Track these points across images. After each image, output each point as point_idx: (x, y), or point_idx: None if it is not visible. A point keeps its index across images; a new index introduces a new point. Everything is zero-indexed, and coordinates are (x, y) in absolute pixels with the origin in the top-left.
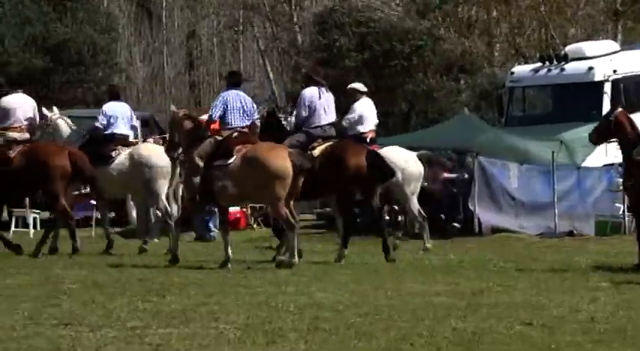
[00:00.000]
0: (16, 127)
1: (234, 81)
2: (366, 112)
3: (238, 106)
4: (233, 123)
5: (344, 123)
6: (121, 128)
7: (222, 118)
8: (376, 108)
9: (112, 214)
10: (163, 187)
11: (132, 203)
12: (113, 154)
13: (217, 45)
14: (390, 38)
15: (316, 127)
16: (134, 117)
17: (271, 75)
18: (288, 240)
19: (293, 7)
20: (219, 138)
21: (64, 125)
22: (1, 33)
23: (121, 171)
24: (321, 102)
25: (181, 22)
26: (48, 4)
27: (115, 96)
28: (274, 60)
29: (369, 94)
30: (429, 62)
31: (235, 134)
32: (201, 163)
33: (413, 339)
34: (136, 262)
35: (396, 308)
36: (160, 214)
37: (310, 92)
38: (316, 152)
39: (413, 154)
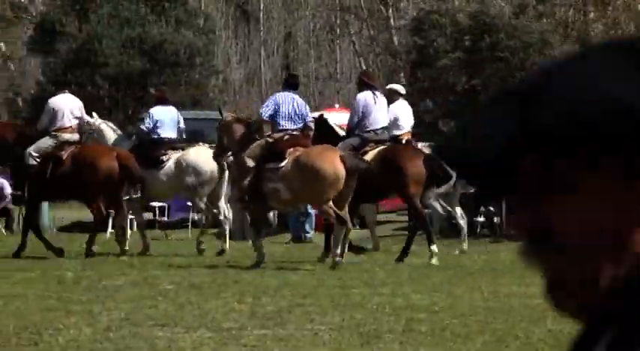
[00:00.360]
0: (67, 128)
1: (291, 82)
2: (402, 114)
3: (290, 109)
4: (284, 125)
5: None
6: (168, 132)
7: (274, 119)
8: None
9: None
10: (208, 191)
11: (227, 205)
12: (164, 158)
13: (313, 46)
14: (497, 33)
15: (370, 131)
16: (181, 120)
17: None
18: (335, 237)
19: (390, 9)
20: (270, 140)
21: (109, 130)
22: (99, 34)
23: (169, 175)
24: (376, 106)
25: (278, 23)
26: (146, 5)
27: (162, 100)
28: (370, 61)
29: (468, 92)
30: (533, 63)
31: (286, 137)
32: (251, 164)
33: (508, 341)
34: (231, 263)
35: (492, 310)
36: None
37: (365, 97)
38: (369, 156)
39: None
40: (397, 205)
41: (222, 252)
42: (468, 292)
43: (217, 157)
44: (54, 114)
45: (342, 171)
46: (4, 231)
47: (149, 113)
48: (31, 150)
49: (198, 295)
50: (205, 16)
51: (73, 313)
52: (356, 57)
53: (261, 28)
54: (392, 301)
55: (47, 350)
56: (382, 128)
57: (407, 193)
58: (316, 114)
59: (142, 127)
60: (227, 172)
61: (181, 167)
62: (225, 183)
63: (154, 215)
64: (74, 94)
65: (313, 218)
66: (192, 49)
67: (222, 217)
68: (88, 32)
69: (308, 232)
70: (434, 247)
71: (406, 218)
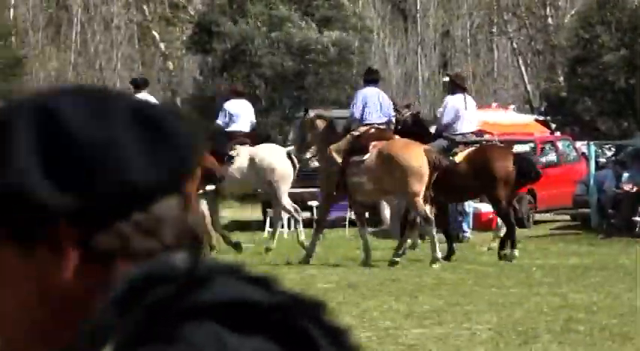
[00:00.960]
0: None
1: (371, 78)
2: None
3: (376, 103)
4: (370, 119)
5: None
6: (242, 125)
7: (362, 116)
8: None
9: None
10: (284, 188)
11: (385, 204)
12: (233, 153)
13: (471, 45)
14: None
15: (458, 134)
16: (253, 114)
17: (525, 75)
18: (431, 236)
19: (547, 8)
20: (356, 133)
21: None
22: (250, 34)
23: (242, 172)
24: (465, 110)
25: (435, 22)
26: (298, 6)
27: (236, 94)
28: (528, 60)
29: None
30: None
31: (372, 131)
32: (339, 159)
33: None
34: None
35: None
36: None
37: (456, 99)
38: (458, 158)
39: None
40: (554, 204)
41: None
42: (626, 292)
43: (299, 153)
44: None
45: (426, 165)
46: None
47: (223, 108)
48: None
49: (356, 294)
50: (359, 15)
51: None
52: (513, 55)
53: (418, 27)
54: (549, 300)
55: None
56: (471, 132)
57: (495, 194)
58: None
59: (218, 121)
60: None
61: (254, 163)
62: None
63: (312, 214)
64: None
65: (471, 217)
66: (343, 49)
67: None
68: (242, 33)
69: (466, 231)
70: (515, 252)
71: (563, 217)
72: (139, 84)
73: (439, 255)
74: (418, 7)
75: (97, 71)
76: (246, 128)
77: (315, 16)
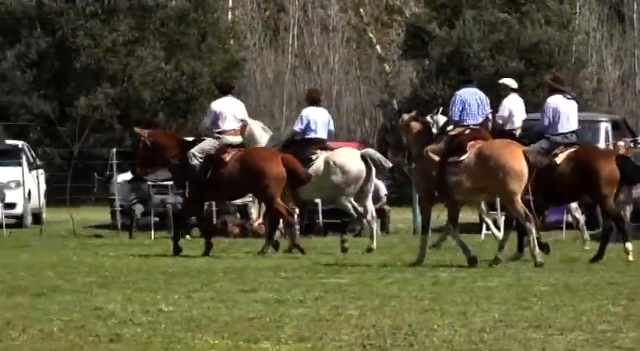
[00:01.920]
0: (230, 131)
1: (465, 79)
2: (515, 108)
3: (474, 104)
4: (467, 120)
5: (498, 120)
6: (320, 132)
7: (461, 118)
8: None
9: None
10: (352, 191)
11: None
12: (313, 157)
13: None
14: None
15: (559, 134)
16: (331, 122)
17: None
18: (529, 235)
19: None
20: (453, 133)
21: (261, 130)
22: (468, 38)
23: (315, 174)
24: (565, 110)
25: None
26: (510, 8)
27: (313, 101)
28: None
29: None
30: None
31: (467, 131)
32: (436, 158)
33: None
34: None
35: None
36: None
37: (555, 100)
38: (559, 159)
39: None
40: None
41: (370, 250)
42: None
43: (394, 155)
44: (216, 117)
45: (525, 166)
46: (379, 232)
47: (301, 114)
48: (194, 151)
49: (573, 297)
50: (572, 17)
51: (448, 314)
52: None
53: (635, 29)
54: None
55: None
56: (571, 132)
57: (600, 194)
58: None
59: (295, 128)
60: (374, 171)
61: (329, 166)
62: (372, 182)
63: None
64: (441, 99)
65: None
66: (561, 50)
67: (369, 217)
68: (458, 36)
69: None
70: (629, 245)
71: None
72: (224, 89)
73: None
74: (635, 9)
75: (314, 74)
76: (323, 135)
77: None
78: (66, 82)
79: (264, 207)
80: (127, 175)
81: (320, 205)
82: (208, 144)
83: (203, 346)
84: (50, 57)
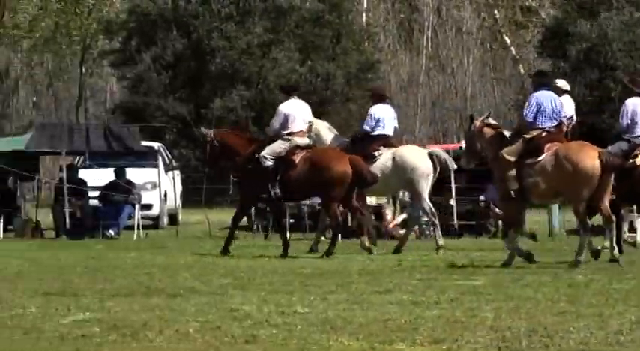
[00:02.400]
0: (298, 133)
1: (544, 81)
2: (567, 109)
3: (549, 107)
4: (542, 124)
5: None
6: (387, 129)
7: (535, 121)
8: None
9: None
10: (425, 187)
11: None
12: (376, 154)
13: None
14: None
15: (638, 136)
16: (396, 119)
17: None
18: (582, 240)
19: None
20: (529, 136)
21: (326, 130)
22: (609, 36)
23: (382, 171)
24: None
25: None
26: None
27: (379, 98)
28: None
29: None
30: None
31: (544, 134)
32: (513, 159)
33: None
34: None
35: None
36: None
37: (633, 102)
38: (639, 160)
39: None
40: None
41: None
42: None
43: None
44: (285, 118)
45: (598, 168)
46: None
47: (369, 112)
48: (266, 153)
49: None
50: None
51: (583, 317)
52: None
53: None
54: None
55: None
56: None
57: None
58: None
59: (365, 127)
60: (438, 171)
61: (396, 163)
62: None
63: None
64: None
65: None
66: None
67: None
68: (597, 34)
69: None
70: None
71: None
72: (288, 90)
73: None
74: None
75: (448, 76)
76: (390, 132)
77: None
78: (201, 84)
79: (398, 209)
80: None
81: (455, 208)
82: (279, 146)
83: (338, 348)
84: (186, 59)
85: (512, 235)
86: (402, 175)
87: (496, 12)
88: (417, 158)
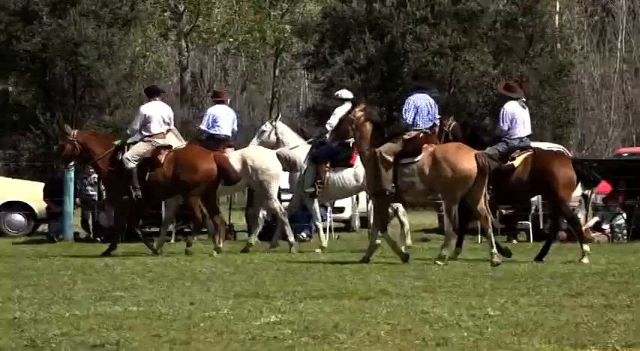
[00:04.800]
0: (158, 134)
1: (420, 85)
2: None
3: (425, 109)
4: (420, 125)
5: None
6: (225, 130)
7: (414, 122)
8: None
9: None
10: (275, 188)
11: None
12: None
13: None
14: None
15: (515, 138)
16: (235, 121)
17: None
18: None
19: None
20: (407, 137)
21: (290, 132)
22: None
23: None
24: (520, 115)
25: None
26: None
27: (219, 98)
28: None
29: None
30: None
31: (421, 135)
32: (390, 159)
33: None
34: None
35: None
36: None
37: (512, 106)
38: (517, 162)
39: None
40: None
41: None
42: None
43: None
44: (145, 120)
45: (475, 169)
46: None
47: (207, 112)
48: (129, 155)
49: None
50: None
51: None
52: None
53: None
54: None
55: None
56: (527, 136)
57: (557, 197)
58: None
59: (202, 126)
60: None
61: (247, 166)
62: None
63: None
64: None
65: None
66: None
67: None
68: None
69: None
70: (586, 247)
71: None
72: (151, 92)
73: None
74: None
75: None
76: (229, 133)
77: None
78: (394, 86)
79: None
80: None
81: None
82: (142, 147)
83: None
84: (378, 61)
85: (377, 231)
86: (253, 176)
87: None
88: (267, 159)
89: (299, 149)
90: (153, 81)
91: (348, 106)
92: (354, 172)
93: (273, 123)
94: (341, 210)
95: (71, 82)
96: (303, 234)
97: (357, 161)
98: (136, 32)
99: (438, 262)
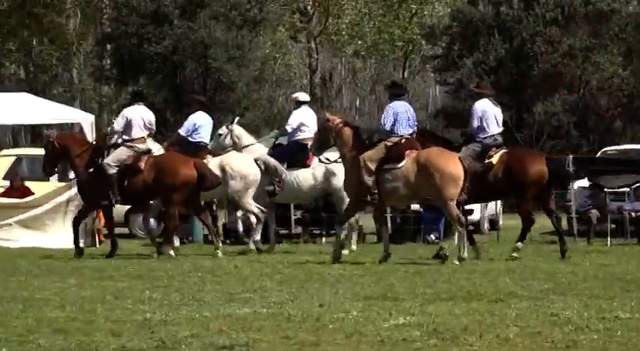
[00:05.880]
0: (139, 139)
1: (398, 92)
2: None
3: (405, 115)
4: (400, 131)
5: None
6: (205, 137)
7: (393, 128)
8: None
9: None
10: (252, 194)
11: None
12: (205, 161)
13: None
14: None
15: (489, 136)
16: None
17: None
18: (459, 237)
19: None
20: (389, 144)
21: (247, 135)
22: None
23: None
24: (492, 113)
25: None
26: None
27: (200, 105)
28: None
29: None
30: None
31: (403, 141)
32: (372, 166)
33: None
34: None
35: None
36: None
37: (482, 105)
38: (494, 160)
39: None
40: None
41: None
42: None
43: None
44: (127, 123)
45: (462, 171)
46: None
47: (188, 119)
48: (109, 161)
49: None
50: None
51: None
52: None
53: None
54: None
55: None
56: (499, 133)
57: (525, 194)
58: None
59: (181, 132)
60: None
61: (226, 172)
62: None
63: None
64: None
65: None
66: None
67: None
68: None
69: None
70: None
71: None
72: (135, 97)
73: (465, 255)
74: None
75: None
76: (208, 140)
77: None
78: (524, 88)
79: None
80: (584, 182)
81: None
82: (122, 153)
83: None
84: (507, 64)
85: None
86: (232, 182)
87: None
88: (246, 166)
89: (253, 147)
90: (282, 83)
91: (305, 108)
92: (312, 173)
93: (230, 126)
94: (470, 212)
95: (201, 84)
96: (432, 236)
97: (315, 162)
98: (266, 34)
99: (455, 262)
